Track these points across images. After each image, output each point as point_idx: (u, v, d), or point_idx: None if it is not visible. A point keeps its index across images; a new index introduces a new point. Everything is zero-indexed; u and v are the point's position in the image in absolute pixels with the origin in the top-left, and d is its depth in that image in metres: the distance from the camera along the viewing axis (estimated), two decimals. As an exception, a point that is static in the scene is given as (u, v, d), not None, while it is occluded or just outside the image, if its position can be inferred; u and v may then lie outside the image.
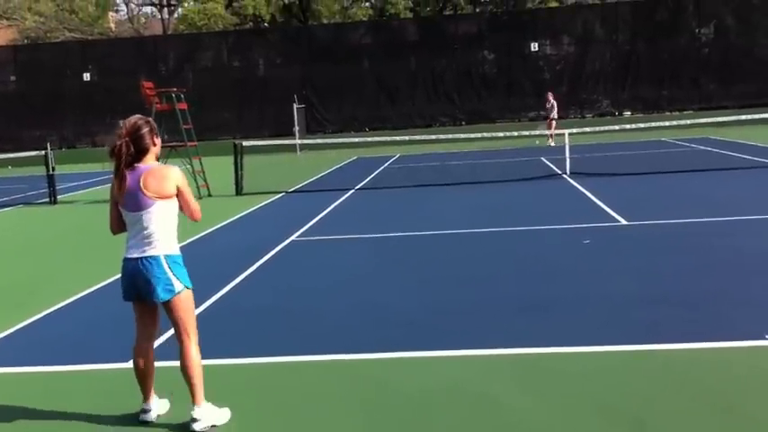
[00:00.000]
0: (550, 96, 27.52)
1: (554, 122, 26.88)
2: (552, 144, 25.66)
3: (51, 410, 5.01)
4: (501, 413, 4.60)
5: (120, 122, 4.58)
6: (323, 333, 6.43)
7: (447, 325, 6.46)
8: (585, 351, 5.58)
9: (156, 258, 4.52)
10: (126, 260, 4.61)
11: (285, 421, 4.69)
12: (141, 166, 4.54)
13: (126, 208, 4.56)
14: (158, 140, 4.68)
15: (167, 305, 4.57)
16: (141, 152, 4.55)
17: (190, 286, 4.66)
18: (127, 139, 4.49)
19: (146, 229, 4.52)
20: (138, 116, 4.70)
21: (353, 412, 4.75)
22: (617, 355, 5.47)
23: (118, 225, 4.70)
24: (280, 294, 7.91)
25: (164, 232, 4.56)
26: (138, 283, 4.54)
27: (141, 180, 4.49)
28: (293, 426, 4.62)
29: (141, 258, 4.52)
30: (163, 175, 4.55)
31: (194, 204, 4.73)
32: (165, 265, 4.53)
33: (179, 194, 4.61)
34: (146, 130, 4.57)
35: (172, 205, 4.60)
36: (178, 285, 4.56)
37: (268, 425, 4.67)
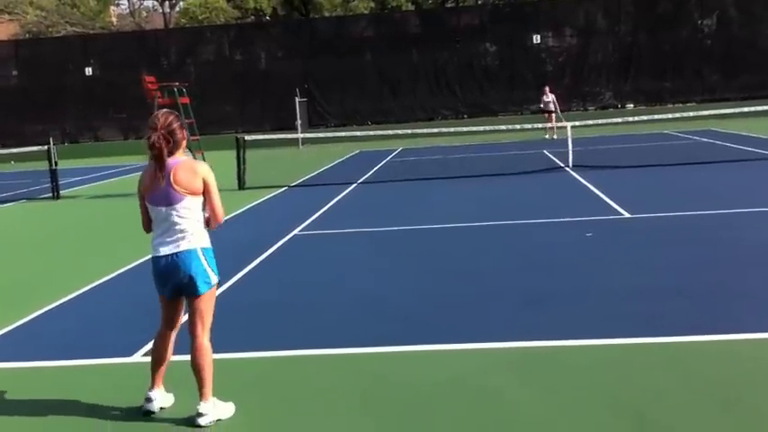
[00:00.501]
0: (547, 90, 27.37)
1: (554, 116, 26.76)
2: (555, 137, 25.60)
3: (55, 404, 5.02)
4: (502, 406, 4.61)
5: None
6: (325, 327, 6.45)
7: (449, 318, 6.47)
8: (588, 344, 5.59)
9: (193, 252, 4.51)
10: (157, 258, 4.56)
11: (287, 414, 4.71)
12: (170, 161, 4.51)
13: (155, 203, 4.53)
14: (186, 134, 4.70)
15: (197, 297, 4.56)
16: (175, 145, 4.54)
17: (219, 277, 4.69)
18: (163, 131, 4.48)
19: (177, 224, 4.50)
20: (166, 110, 4.70)
21: (355, 406, 4.76)
22: (619, 348, 5.48)
23: (149, 223, 4.68)
24: (283, 288, 7.92)
25: (195, 225, 4.55)
26: (175, 279, 4.52)
27: (171, 175, 4.47)
28: (295, 419, 4.64)
29: (177, 253, 4.50)
30: (191, 169, 4.53)
31: (219, 204, 4.61)
32: (203, 258, 4.54)
33: (205, 190, 4.56)
34: (177, 124, 4.57)
35: (200, 200, 4.58)
36: (214, 278, 4.60)
37: (271, 418, 4.69)
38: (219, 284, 5.07)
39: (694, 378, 4.83)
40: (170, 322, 4.76)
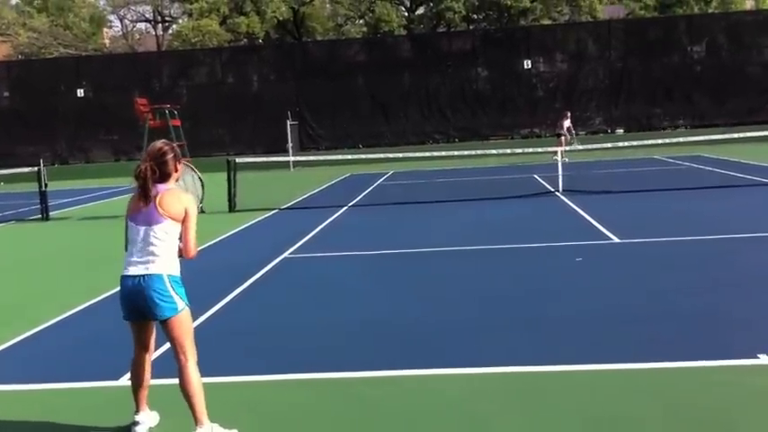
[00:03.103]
0: (569, 114, 27.59)
1: (562, 139, 26.85)
2: (566, 160, 25.57)
3: (41, 428, 4.97)
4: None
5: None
6: (315, 350, 6.41)
7: (439, 343, 6.44)
8: (578, 369, 5.57)
9: (159, 276, 4.52)
10: (125, 278, 4.59)
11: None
12: (160, 186, 4.60)
13: (136, 222, 4.58)
14: (180, 166, 4.74)
15: (167, 323, 4.57)
16: (164, 176, 4.61)
17: (188, 305, 4.67)
18: (151, 162, 4.54)
19: (152, 245, 4.53)
20: (163, 141, 4.77)
21: (344, 431, 4.72)
22: (610, 374, 5.47)
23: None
24: (272, 311, 7.89)
25: (168, 252, 4.58)
26: (139, 301, 4.54)
27: (158, 197, 4.55)
28: (284, 445, 4.60)
29: (144, 276, 4.52)
30: (177, 197, 4.62)
31: (193, 237, 4.67)
32: (168, 284, 4.54)
33: (184, 220, 4.61)
34: (170, 156, 4.64)
35: (178, 228, 4.62)
36: (180, 304, 4.58)
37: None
38: (195, 309, 5.04)
39: (686, 404, 4.82)
40: (142, 345, 4.78)
